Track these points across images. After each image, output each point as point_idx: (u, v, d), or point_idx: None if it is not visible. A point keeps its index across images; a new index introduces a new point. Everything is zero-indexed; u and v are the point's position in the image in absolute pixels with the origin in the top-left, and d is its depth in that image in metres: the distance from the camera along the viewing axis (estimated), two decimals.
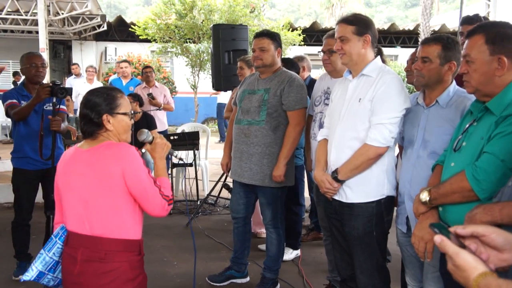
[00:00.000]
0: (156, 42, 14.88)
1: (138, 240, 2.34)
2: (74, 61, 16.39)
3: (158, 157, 2.54)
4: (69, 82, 11.58)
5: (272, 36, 3.88)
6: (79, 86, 10.12)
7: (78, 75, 11.75)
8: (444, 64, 2.68)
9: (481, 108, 2.17)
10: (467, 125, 2.23)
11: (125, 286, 2.26)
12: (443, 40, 2.69)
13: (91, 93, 2.39)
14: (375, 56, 2.95)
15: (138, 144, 2.61)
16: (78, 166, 2.30)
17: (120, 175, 2.21)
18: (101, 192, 2.23)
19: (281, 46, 3.96)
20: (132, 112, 2.45)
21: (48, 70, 5.25)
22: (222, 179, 6.49)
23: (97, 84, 11.75)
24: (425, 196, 2.28)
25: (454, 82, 2.76)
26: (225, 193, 6.60)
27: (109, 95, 2.36)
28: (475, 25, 2.26)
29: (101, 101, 2.33)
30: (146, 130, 2.57)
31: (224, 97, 12.37)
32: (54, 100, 3.93)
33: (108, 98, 2.34)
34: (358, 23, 2.88)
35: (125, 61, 9.02)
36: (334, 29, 3.08)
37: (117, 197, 2.24)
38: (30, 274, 2.31)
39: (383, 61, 3.09)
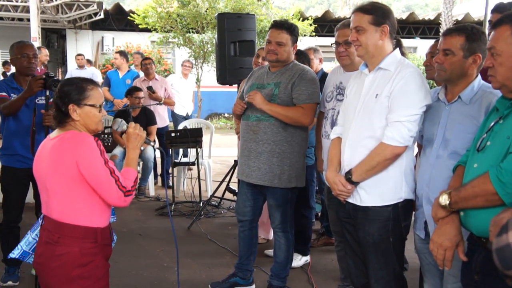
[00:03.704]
0: (157, 32, 14.89)
1: (94, 228, 2.53)
2: (68, 51, 16.47)
3: (131, 147, 2.73)
4: (71, 73, 11.69)
5: (292, 31, 3.86)
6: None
7: (81, 66, 11.80)
8: (468, 57, 2.65)
9: (507, 105, 2.14)
10: (492, 123, 2.20)
11: (73, 271, 2.47)
12: (467, 30, 2.66)
13: (65, 82, 2.63)
14: (394, 48, 2.94)
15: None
16: (43, 154, 2.55)
17: (74, 164, 2.41)
18: (56, 179, 2.45)
19: (297, 40, 3.96)
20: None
21: None
22: (227, 179, 6.49)
23: (90, 70, 11.90)
24: (444, 200, 2.25)
25: (479, 76, 2.74)
26: (230, 194, 6.63)
27: (78, 86, 2.56)
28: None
29: (69, 91, 2.54)
30: (119, 119, 2.83)
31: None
32: (47, 93, 3.94)
33: (77, 89, 2.54)
34: (376, 12, 2.86)
35: (117, 52, 9.02)
36: (348, 18, 3.07)
37: (71, 185, 2.45)
38: (16, 252, 2.71)
39: (403, 53, 3.07)
